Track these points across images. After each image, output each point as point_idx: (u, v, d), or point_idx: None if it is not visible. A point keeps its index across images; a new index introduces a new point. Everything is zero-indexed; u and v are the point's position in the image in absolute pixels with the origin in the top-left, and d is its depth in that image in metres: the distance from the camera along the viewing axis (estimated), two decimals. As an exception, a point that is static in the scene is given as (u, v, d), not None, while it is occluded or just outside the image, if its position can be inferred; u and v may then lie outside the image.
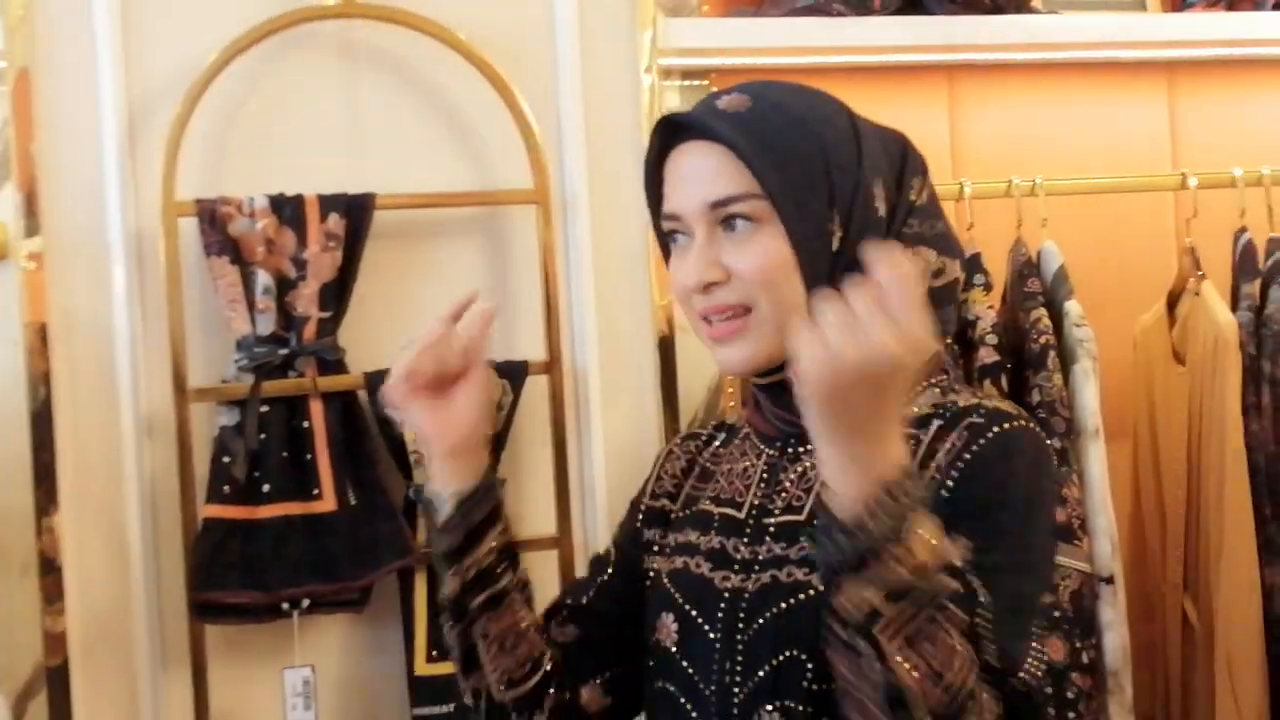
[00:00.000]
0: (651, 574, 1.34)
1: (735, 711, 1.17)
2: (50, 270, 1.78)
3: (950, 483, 1.11)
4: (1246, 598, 1.98)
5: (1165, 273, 2.16)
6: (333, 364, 1.82)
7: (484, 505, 1.26)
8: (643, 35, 1.97)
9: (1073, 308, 1.95)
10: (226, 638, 1.79)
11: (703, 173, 1.17)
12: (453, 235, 1.93)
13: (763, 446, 1.29)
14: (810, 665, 1.13)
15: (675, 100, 2.06)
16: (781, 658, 1.15)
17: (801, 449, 1.24)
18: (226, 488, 1.76)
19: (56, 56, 1.79)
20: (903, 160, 1.23)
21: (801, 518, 1.20)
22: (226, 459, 1.77)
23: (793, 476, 1.24)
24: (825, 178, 1.16)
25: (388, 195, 1.83)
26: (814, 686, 1.13)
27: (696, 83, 2.11)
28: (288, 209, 1.80)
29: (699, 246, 1.17)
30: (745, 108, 1.18)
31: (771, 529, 1.21)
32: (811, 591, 1.14)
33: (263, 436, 1.78)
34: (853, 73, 2.13)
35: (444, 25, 1.85)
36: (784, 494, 1.24)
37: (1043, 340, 1.92)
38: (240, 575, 1.74)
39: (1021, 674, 1.06)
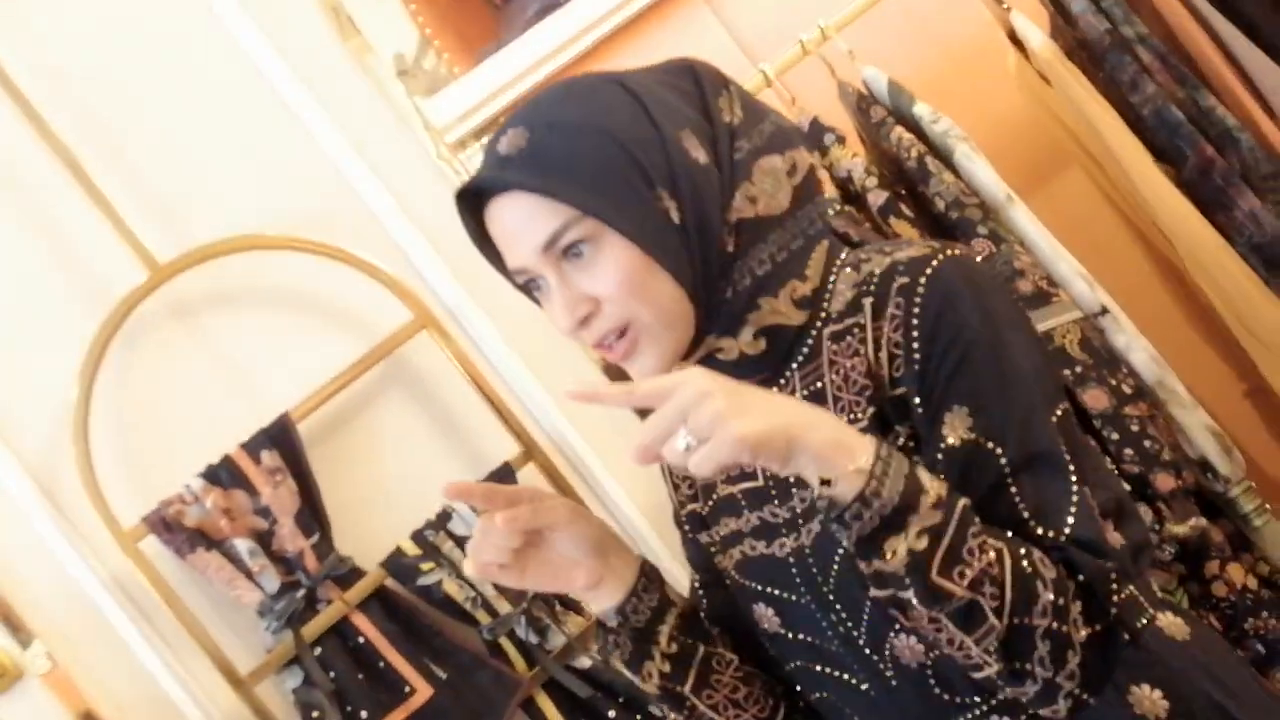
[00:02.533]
0: (725, 570, 1.26)
1: (869, 652, 1.11)
2: (65, 663, 1.68)
3: (917, 355, 1.03)
4: (1220, 261, 1.91)
5: (979, 43, 2.06)
6: (349, 575, 1.73)
7: (645, 603, 1.16)
8: (421, 133, 1.84)
9: (922, 110, 1.85)
10: None
11: (519, 224, 1.08)
12: (376, 400, 1.83)
13: None
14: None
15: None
16: (864, 592, 1.09)
17: (775, 390, 1.17)
18: (343, 736, 1.70)
19: None
20: (698, 89, 1.12)
21: None
22: (316, 714, 1.68)
23: None
24: (631, 163, 1.07)
25: (297, 406, 1.72)
26: None
27: (489, 136, 2.06)
28: (223, 473, 1.72)
29: (555, 289, 1.08)
30: (524, 142, 1.09)
31: (791, 480, 1.13)
32: None
33: (332, 675, 1.70)
34: (614, 35, 2.02)
35: (258, 236, 1.74)
36: None
37: (914, 153, 1.82)
38: None
39: (1070, 522, 0.99)
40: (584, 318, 1.07)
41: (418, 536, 1.75)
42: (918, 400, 1.02)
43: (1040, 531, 0.99)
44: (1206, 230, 1.93)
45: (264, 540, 1.71)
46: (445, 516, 1.75)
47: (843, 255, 1.11)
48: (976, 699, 1.08)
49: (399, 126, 1.86)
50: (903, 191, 1.85)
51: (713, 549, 1.25)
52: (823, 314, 1.09)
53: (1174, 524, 1.71)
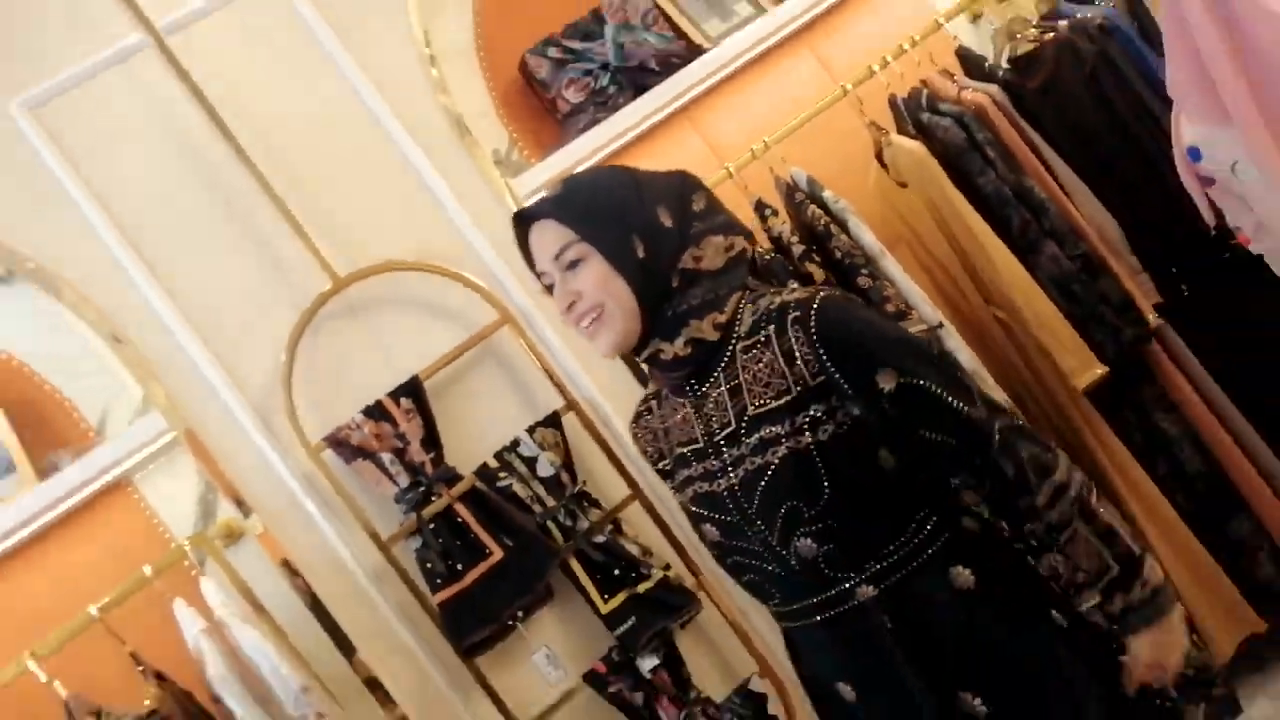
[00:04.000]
0: (683, 505, 1.49)
1: (779, 549, 1.37)
2: (272, 528, 2.19)
3: (829, 363, 1.31)
4: (1025, 283, 2.35)
5: (867, 148, 2.51)
6: (454, 478, 2.23)
7: None
8: (508, 199, 2.38)
9: (828, 194, 2.38)
10: (492, 660, 2.22)
11: (543, 240, 1.39)
12: (473, 369, 2.35)
13: (678, 399, 1.45)
14: (801, 504, 1.33)
15: None
16: (784, 510, 1.35)
17: (699, 386, 1.41)
18: (439, 580, 2.18)
19: (201, 410, 2.21)
20: (681, 186, 1.43)
21: (734, 426, 1.38)
22: (429, 564, 2.19)
23: (710, 407, 1.40)
24: (619, 216, 1.37)
25: (424, 370, 2.25)
26: (810, 514, 1.33)
27: None
28: (376, 412, 2.22)
29: (558, 286, 1.39)
30: (557, 192, 1.43)
31: (721, 441, 1.39)
32: (771, 470, 1.34)
33: (440, 541, 2.19)
34: (632, 147, 2.55)
35: (399, 260, 2.29)
36: (715, 418, 1.40)
37: (821, 222, 2.34)
38: (475, 619, 2.17)
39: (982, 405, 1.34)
40: (570, 304, 1.37)
41: (498, 455, 2.27)
42: (844, 382, 1.31)
43: (975, 416, 1.30)
44: (1021, 269, 2.37)
45: (400, 455, 2.21)
46: (515, 443, 2.27)
47: (747, 299, 1.39)
48: (851, 574, 1.35)
49: (495, 197, 2.39)
50: (814, 246, 2.36)
51: (674, 491, 1.50)
52: (734, 336, 1.38)
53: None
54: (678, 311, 1.36)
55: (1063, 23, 2.60)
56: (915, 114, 2.47)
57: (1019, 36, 2.71)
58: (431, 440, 2.27)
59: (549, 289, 1.42)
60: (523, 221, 1.42)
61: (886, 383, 1.30)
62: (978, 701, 1.34)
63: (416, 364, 2.30)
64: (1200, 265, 2.48)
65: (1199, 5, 1.81)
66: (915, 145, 2.43)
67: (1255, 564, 2.45)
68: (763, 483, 1.34)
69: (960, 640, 1.35)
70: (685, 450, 1.43)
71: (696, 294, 1.37)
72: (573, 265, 1.37)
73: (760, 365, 1.35)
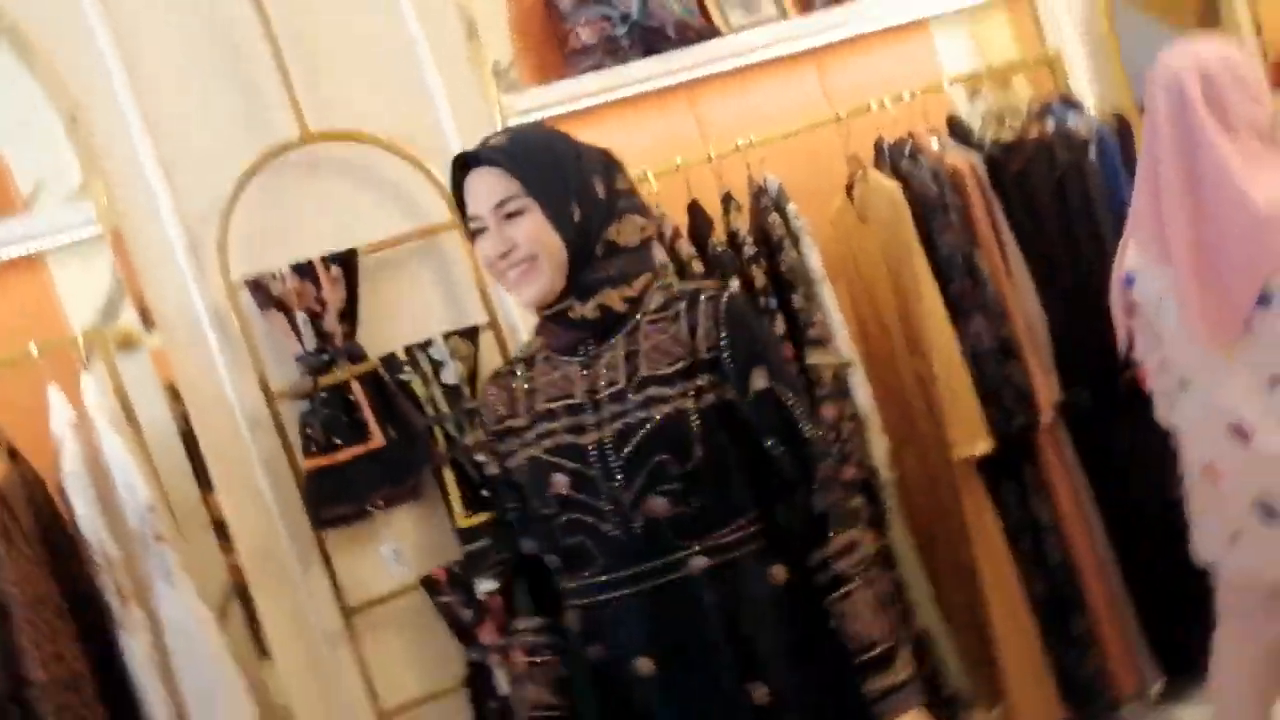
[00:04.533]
0: (522, 461, 1.51)
1: (629, 508, 1.43)
2: (169, 348, 2.15)
3: (724, 341, 1.45)
4: (949, 346, 2.44)
5: (839, 177, 2.58)
6: (359, 357, 2.21)
7: None
8: (495, 111, 2.36)
9: (791, 208, 2.42)
10: (340, 537, 2.21)
11: (486, 185, 1.43)
12: (411, 259, 2.31)
13: (565, 358, 1.50)
14: (670, 461, 1.41)
15: None
16: (651, 464, 1.42)
17: (594, 348, 1.48)
18: (314, 447, 2.16)
19: (134, 214, 2.14)
20: (609, 162, 1.50)
21: (623, 385, 1.45)
22: (309, 430, 2.17)
23: (602, 367, 1.47)
24: (560, 176, 1.44)
25: (363, 246, 2.22)
26: (675, 472, 1.42)
27: None
28: (304, 270, 2.18)
29: (492, 233, 1.44)
30: (505, 142, 1.47)
31: (605, 398, 1.45)
32: (651, 424, 1.42)
33: (326, 412, 2.17)
34: (625, 103, 2.54)
35: (369, 134, 2.26)
36: (605, 375, 1.46)
37: (779, 233, 2.38)
38: (337, 495, 2.17)
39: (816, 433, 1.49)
40: (504, 253, 1.43)
41: (408, 349, 2.25)
42: (730, 363, 1.44)
43: (808, 432, 1.45)
44: (949, 330, 2.46)
45: (315, 318, 2.17)
46: (428, 343, 2.26)
47: (657, 283, 1.52)
48: (691, 543, 1.43)
49: (483, 102, 2.37)
50: (764, 252, 2.41)
51: (514, 448, 1.51)
52: (639, 312, 1.48)
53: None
54: (595, 278, 1.45)
55: (1050, 123, 2.68)
56: (897, 160, 2.55)
57: (1006, 123, 2.78)
58: (349, 315, 2.26)
59: (476, 234, 1.47)
60: (464, 164, 1.46)
61: (759, 381, 1.44)
62: (763, 692, 1.44)
63: (358, 239, 2.27)
64: (1101, 382, 2.59)
65: (1171, 152, 1.93)
66: (893, 185, 2.51)
67: (1080, 662, 2.59)
68: (640, 434, 1.41)
69: (762, 632, 1.45)
70: (554, 405, 1.49)
71: (613, 265, 1.46)
72: (512, 216, 1.43)
73: (664, 336, 1.46)
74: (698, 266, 2.35)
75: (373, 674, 2.23)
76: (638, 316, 1.47)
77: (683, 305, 1.47)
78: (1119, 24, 2.98)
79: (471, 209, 1.47)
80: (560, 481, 1.46)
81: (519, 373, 1.56)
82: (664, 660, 1.44)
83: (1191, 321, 1.89)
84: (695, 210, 2.46)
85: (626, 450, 1.43)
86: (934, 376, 2.46)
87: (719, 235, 2.41)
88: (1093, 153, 2.61)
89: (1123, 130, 2.66)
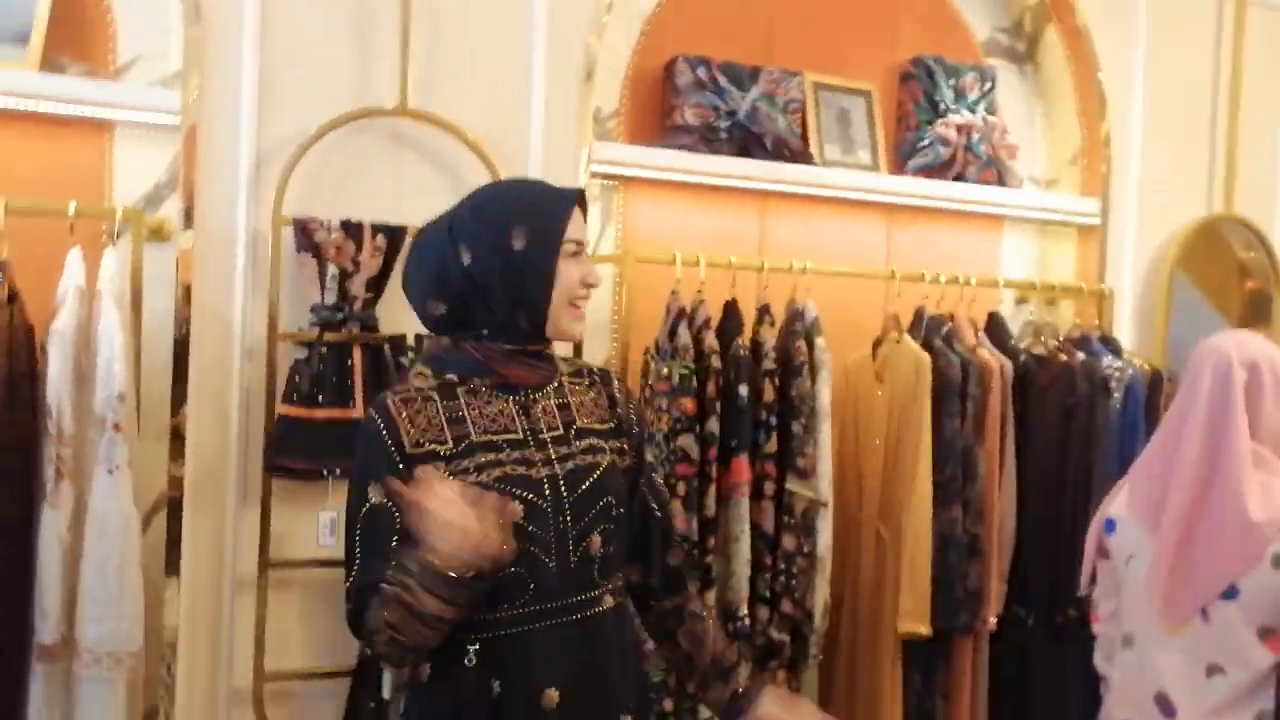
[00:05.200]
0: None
1: (570, 543, 1.49)
2: (197, 252, 2.14)
3: (634, 418, 1.63)
4: (926, 525, 2.43)
5: (872, 329, 2.61)
6: (371, 327, 2.20)
7: None
8: (581, 151, 2.41)
9: (820, 342, 2.42)
10: (286, 490, 2.17)
11: (582, 225, 1.55)
12: None
13: (506, 394, 1.52)
14: (613, 503, 1.52)
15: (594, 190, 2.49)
16: (599, 505, 1.50)
17: (531, 393, 1.54)
18: (295, 395, 2.14)
19: (216, 119, 2.16)
20: None
21: (561, 431, 1.52)
22: (298, 378, 2.15)
23: (539, 411, 1.53)
24: None
25: (415, 228, 2.11)
26: (614, 514, 1.52)
27: (607, 183, 2.55)
28: (352, 229, 2.18)
29: (588, 264, 1.54)
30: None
31: (549, 440, 1.52)
32: (600, 469, 1.52)
33: (320, 366, 2.15)
34: (701, 189, 2.58)
35: (461, 129, 2.28)
36: (543, 420, 1.52)
37: (801, 359, 2.39)
38: (301, 450, 2.13)
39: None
40: (591, 285, 1.55)
41: (418, 338, 2.22)
42: (634, 437, 1.61)
43: (669, 501, 1.73)
44: (929, 509, 2.44)
45: (344, 277, 2.18)
46: None
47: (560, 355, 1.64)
48: (607, 582, 1.52)
49: (574, 139, 2.43)
50: (781, 372, 2.40)
51: (459, 470, 1.47)
52: (559, 372, 1.58)
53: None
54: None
55: (1081, 355, 2.71)
56: (932, 333, 2.56)
57: (1042, 338, 2.82)
58: (377, 285, 2.25)
59: (572, 254, 1.53)
60: (576, 199, 1.56)
61: (648, 456, 1.70)
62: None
63: (415, 218, 2.21)
64: (1045, 610, 2.59)
65: (1202, 430, 1.92)
66: (926, 357, 2.51)
67: None
68: (593, 476, 1.52)
69: (633, 667, 1.61)
70: (497, 438, 1.50)
71: None
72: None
73: (587, 397, 1.60)
74: (717, 362, 2.34)
75: (267, 631, 2.17)
76: (558, 378, 1.59)
77: (596, 378, 1.63)
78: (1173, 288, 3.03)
79: (579, 235, 1.55)
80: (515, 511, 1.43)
81: (436, 400, 1.51)
82: (568, 693, 1.47)
83: (1154, 592, 1.90)
84: (731, 309, 2.48)
85: (582, 488, 1.51)
86: (900, 547, 2.46)
87: (745, 340, 2.42)
88: (1117, 397, 2.63)
89: (1154, 384, 2.67)
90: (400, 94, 2.27)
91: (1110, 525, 2.08)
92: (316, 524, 2.23)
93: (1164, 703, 1.87)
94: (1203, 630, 1.84)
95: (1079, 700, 2.54)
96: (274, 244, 2.18)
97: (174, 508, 2.13)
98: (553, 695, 1.47)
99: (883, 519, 2.54)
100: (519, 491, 1.46)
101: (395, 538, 1.41)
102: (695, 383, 2.31)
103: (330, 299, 2.20)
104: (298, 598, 2.23)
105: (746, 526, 2.33)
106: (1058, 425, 2.65)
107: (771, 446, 2.37)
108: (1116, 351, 2.73)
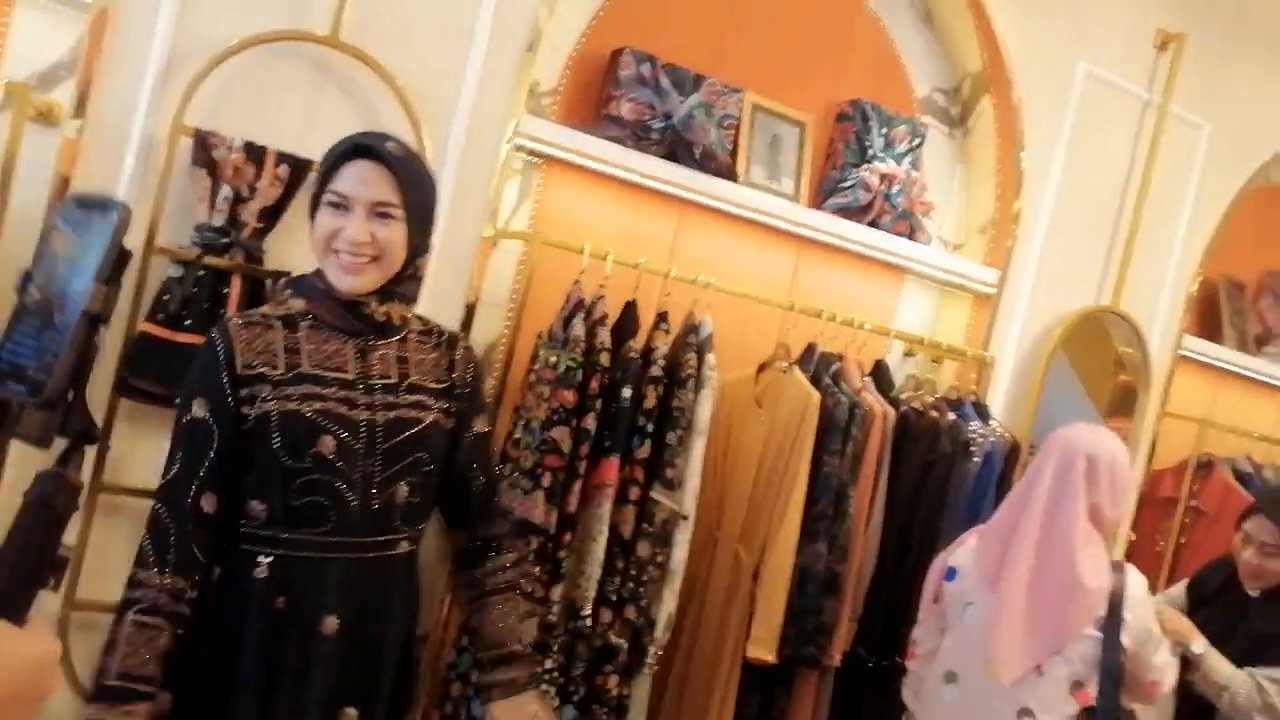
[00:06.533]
0: (277, 412, 1.52)
1: (375, 487, 1.55)
2: (84, 144, 1.94)
3: (470, 387, 1.69)
4: (790, 555, 2.38)
5: (761, 354, 2.54)
6: (255, 258, 2.04)
7: None
8: (509, 122, 2.27)
9: (710, 359, 2.33)
10: (134, 411, 2.01)
11: (371, 181, 1.53)
12: None
13: (342, 336, 1.58)
14: (426, 458, 1.59)
15: (514, 164, 2.38)
16: (412, 458, 1.57)
17: (375, 341, 1.60)
18: (160, 315, 1.98)
19: (131, 6, 1.95)
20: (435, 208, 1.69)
21: (395, 381, 1.59)
22: (166, 297, 1.98)
23: (376, 358, 1.59)
24: (428, 209, 1.62)
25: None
26: (425, 469, 1.60)
27: (531, 159, 2.41)
28: (255, 152, 2.02)
29: (356, 219, 1.52)
30: (404, 155, 1.57)
31: (379, 387, 1.57)
32: (421, 425, 1.59)
33: (195, 288, 1.99)
34: (624, 184, 2.47)
35: (391, 72, 2.12)
36: (378, 367, 1.59)
37: (688, 371, 2.30)
38: (156, 373, 1.97)
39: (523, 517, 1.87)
40: (359, 242, 1.53)
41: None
42: (466, 403, 1.67)
43: (498, 473, 1.80)
44: (794, 541, 2.38)
45: (238, 199, 2.02)
46: None
47: (413, 311, 1.68)
48: (404, 529, 1.60)
49: (505, 108, 2.28)
50: (667, 381, 2.30)
51: (263, 394, 1.52)
52: (408, 330, 1.64)
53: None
54: (396, 291, 1.62)
55: (952, 416, 2.70)
56: (820, 371, 2.53)
57: (920, 393, 2.80)
58: (270, 216, 2.09)
59: (331, 206, 1.54)
60: (358, 151, 1.54)
61: (480, 425, 1.75)
62: (394, 656, 1.65)
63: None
64: (882, 651, 2.60)
65: (1045, 500, 2.06)
66: (818, 396, 2.45)
67: None
68: (410, 429, 1.58)
69: (409, 609, 1.70)
70: (324, 373, 1.56)
71: (410, 288, 1.65)
72: (382, 217, 1.54)
73: (428, 356, 1.65)
74: (605, 360, 2.24)
75: (85, 558, 1.99)
76: (406, 332, 1.64)
77: (444, 339, 1.70)
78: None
79: (345, 189, 1.54)
80: (327, 443, 1.52)
81: (276, 327, 1.58)
82: (353, 620, 1.54)
83: (995, 648, 2.02)
84: (630, 310, 2.39)
85: (397, 439, 1.57)
86: (758, 572, 2.41)
87: (637, 344, 2.33)
88: (976, 460, 2.63)
89: (1011, 454, 2.69)
90: (334, 23, 2.12)
91: (951, 573, 2.20)
92: (159, 453, 2.03)
93: None
94: (1031, 680, 2.01)
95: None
96: (169, 152, 2.00)
97: (3, 412, 1.91)
98: (332, 623, 1.54)
99: (744, 542, 2.49)
100: (337, 429, 1.53)
101: (213, 451, 1.51)
102: (580, 376, 2.21)
103: (218, 221, 2.04)
104: (127, 526, 2.05)
105: (605, 528, 2.24)
106: (918, 479, 2.63)
107: (644, 453, 2.28)
108: (985, 417, 2.73)
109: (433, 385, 1.64)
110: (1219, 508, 3.33)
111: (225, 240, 2.03)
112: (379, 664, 1.60)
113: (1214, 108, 3.33)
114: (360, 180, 1.53)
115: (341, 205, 1.53)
